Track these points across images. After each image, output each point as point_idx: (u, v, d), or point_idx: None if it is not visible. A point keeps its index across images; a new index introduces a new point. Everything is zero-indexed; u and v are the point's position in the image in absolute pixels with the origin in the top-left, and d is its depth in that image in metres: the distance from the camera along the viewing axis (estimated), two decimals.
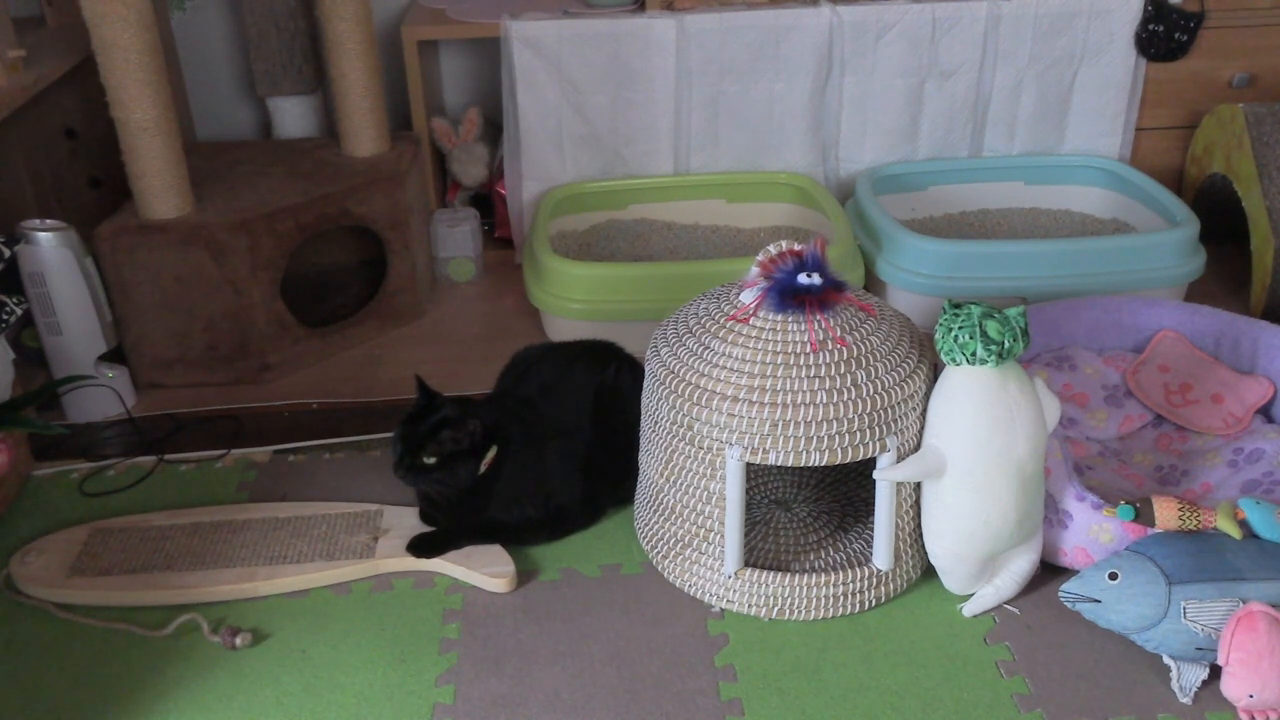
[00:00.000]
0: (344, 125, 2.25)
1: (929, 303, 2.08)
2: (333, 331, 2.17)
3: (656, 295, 2.04)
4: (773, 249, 1.46)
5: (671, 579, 1.55)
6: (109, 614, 1.51)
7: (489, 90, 2.63)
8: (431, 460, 1.51)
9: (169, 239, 1.94)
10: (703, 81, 2.36)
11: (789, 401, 1.39)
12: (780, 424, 1.39)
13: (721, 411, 1.41)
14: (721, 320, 1.47)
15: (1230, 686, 1.31)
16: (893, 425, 1.42)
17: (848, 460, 1.41)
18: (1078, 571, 1.43)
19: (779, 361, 1.41)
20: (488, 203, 2.57)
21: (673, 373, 1.46)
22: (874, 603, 1.50)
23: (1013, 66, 2.38)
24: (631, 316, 2.06)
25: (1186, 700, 1.34)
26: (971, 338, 1.35)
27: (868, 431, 1.41)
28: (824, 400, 1.39)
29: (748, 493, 1.51)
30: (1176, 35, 2.33)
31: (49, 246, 1.83)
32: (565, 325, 2.12)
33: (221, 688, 1.39)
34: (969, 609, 1.48)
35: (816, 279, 1.43)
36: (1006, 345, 1.35)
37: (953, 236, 2.38)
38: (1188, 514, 1.39)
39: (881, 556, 1.49)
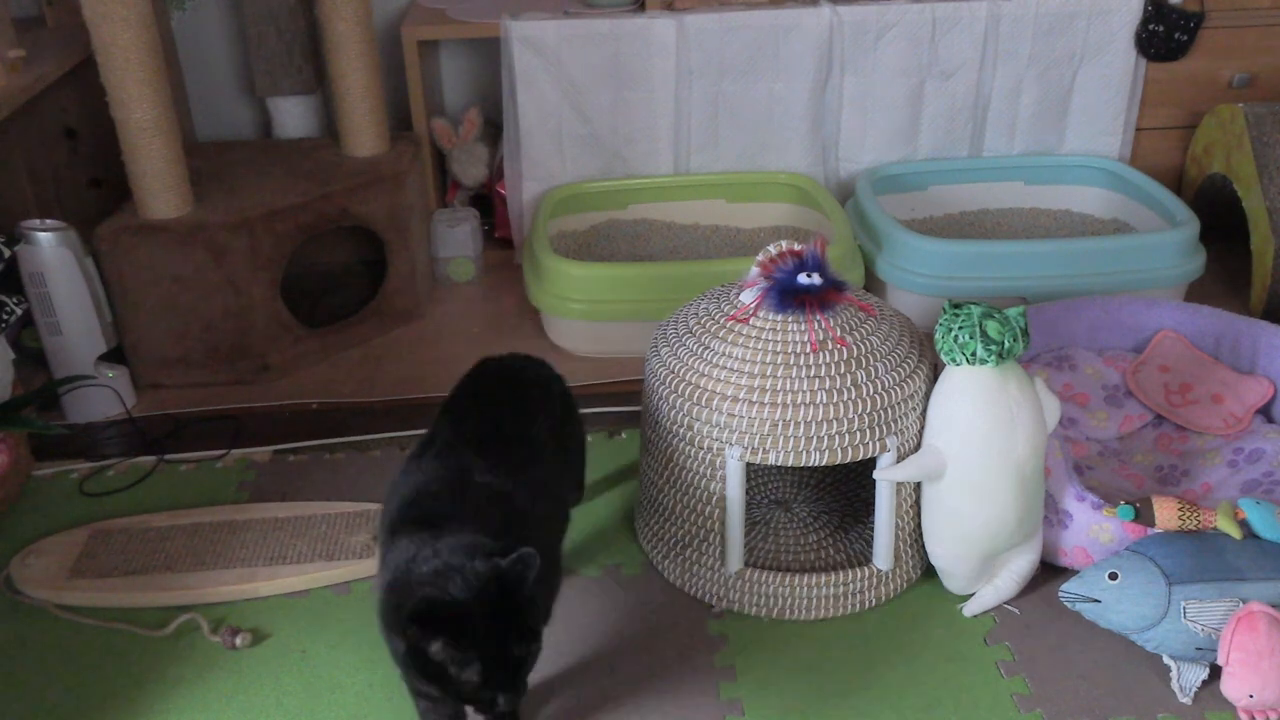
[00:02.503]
0: (344, 125, 2.25)
1: (929, 303, 2.08)
2: (333, 331, 2.17)
3: (656, 295, 2.04)
4: (773, 249, 1.46)
5: (671, 579, 1.55)
6: (109, 614, 1.51)
7: (489, 90, 2.63)
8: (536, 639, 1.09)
9: (169, 239, 1.94)
10: (703, 81, 2.36)
11: (789, 401, 1.39)
12: (780, 424, 1.39)
13: (721, 411, 1.41)
14: (721, 320, 1.47)
15: (1230, 686, 1.31)
16: (893, 425, 1.42)
17: (848, 460, 1.41)
18: (1078, 571, 1.43)
19: (779, 361, 1.41)
20: (488, 203, 2.57)
21: (673, 373, 1.46)
22: (874, 603, 1.50)
23: (1013, 66, 2.38)
24: (631, 316, 2.06)
25: (1186, 700, 1.34)
26: (971, 338, 1.35)
27: (868, 431, 1.41)
28: (824, 400, 1.39)
29: (748, 493, 1.51)
30: (1176, 35, 2.33)
31: (49, 246, 1.83)
32: (565, 325, 2.12)
33: (221, 688, 1.39)
34: (969, 609, 1.48)
35: (816, 279, 1.43)
36: (1006, 345, 1.36)
37: (953, 236, 2.38)
38: (1188, 514, 1.39)
39: (882, 556, 1.49)
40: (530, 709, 1.34)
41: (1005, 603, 1.49)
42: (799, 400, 1.39)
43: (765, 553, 1.58)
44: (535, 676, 1.38)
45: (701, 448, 1.45)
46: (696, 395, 1.43)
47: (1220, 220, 2.29)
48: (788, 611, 1.49)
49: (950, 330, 1.37)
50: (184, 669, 1.42)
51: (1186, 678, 1.35)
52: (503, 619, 1.03)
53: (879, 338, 1.45)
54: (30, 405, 1.73)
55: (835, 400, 1.39)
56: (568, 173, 2.44)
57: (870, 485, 1.46)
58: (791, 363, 1.40)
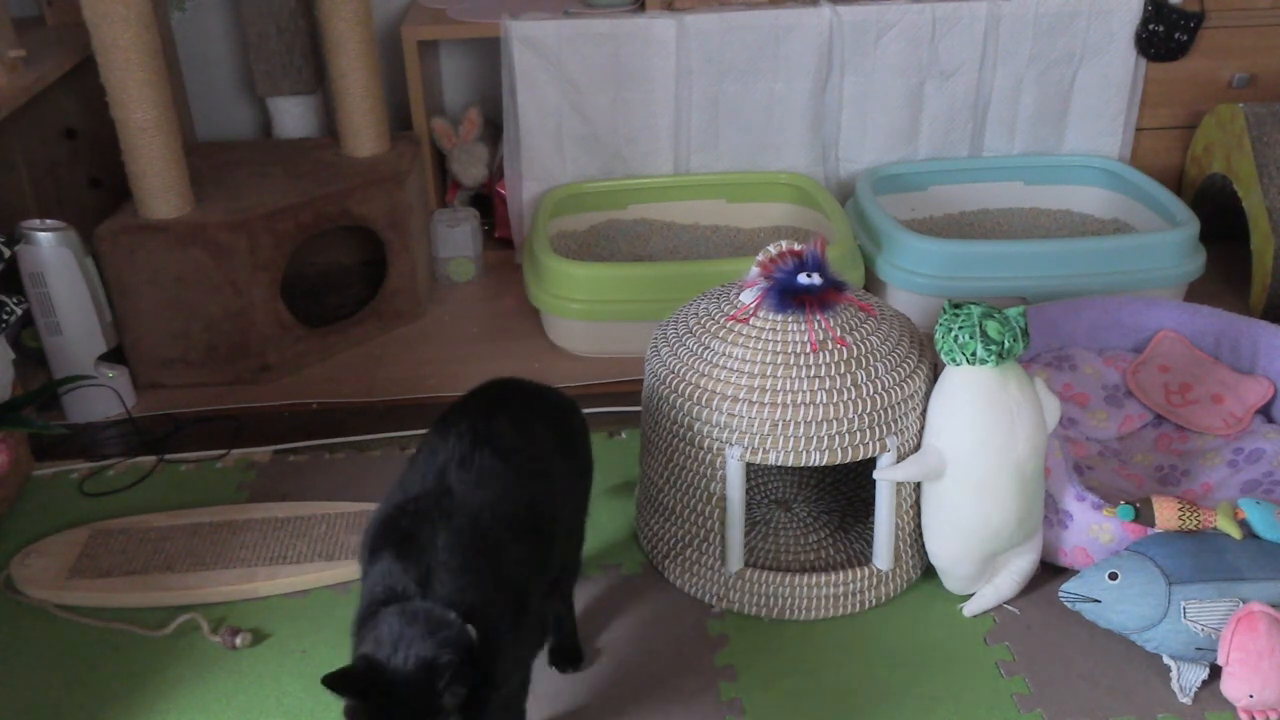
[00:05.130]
0: (344, 125, 2.25)
1: (929, 303, 2.08)
2: (333, 331, 2.17)
3: (656, 295, 2.04)
4: (773, 249, 1.46)
5: (671, 579, 1.55)
6: (109, 614, 1.51)
7: (489, 90, 2.63)
8: None
9: (169, 239, 1.94)
10: (703, 81, 2.36)
11: (789, 401, 1.39)
12: (780, 424, 1.39)
13: (721, 411, 1.41)
14: (721, 320, 1.47)
15: (1230, 686, 1.31)
16: (893, 425, 1.42)
17: (848, 460, 1.41)
18: (1078, 571, 1.43)
19: (779, 361, 1.41)
20: (488, 203, 2.58)
21: (673, 372, 1.46)
22: (874, 603, 1.50)
23: (1013, 66, 2.38)
24: (631, 316, 2.06)
25: (1186, 700, 1.34)
26: (971, 338, 1.35)
27: (868, 431, 1.41)
28: (824, 400, 1.39)
29: (748, 493, 1.51)
30: (1176, 35, 2.33)
31: (49, 246, 1.83)
32: (565, 325, 2.12)
33: (221, 688, 1.39)
34: (969, 609, 1.48)
35: (816, 279, 1.43)
36: (1006, 345, 1.36)
37: (953, 236, 2.38)
38: (1188, 514, 1.39)
39: (882, 556, 1.49)
40: (531, 710, 1.34)
41: (1005, 603, 1.49)
42: (799, 400, 1.39)
43: (765, 553, 1.58)
44: (537, 678, 1.38)
45: (701, 448, 1.45)
46: (696, 395, 1.43)
47: (1220, 220, 2.29)
48: (788, 611, 1.48)
49: (950, 330, 1.37)
50: (184, 669, 1.42)
51: (1186, 678, 1.35)
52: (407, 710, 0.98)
53: (879, 338, 1.45)
54: (30, 405, 1.73)
55: (835, 400, 1.39)
56: (568, 173, 2.44)
57: (870, 485, 1.46)
58: (791, 363, 1.40)
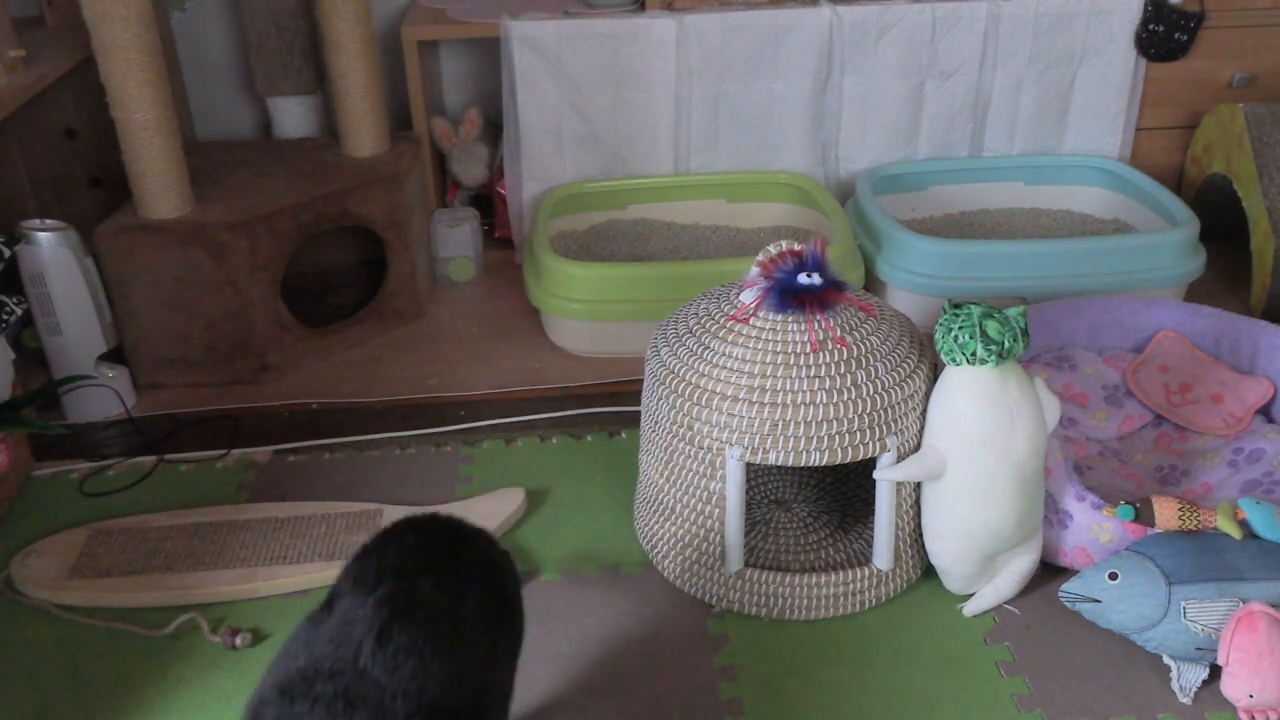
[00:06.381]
0: (344, 125, 2.25)
1: (929, 303, 2.08)
2: (333, 331, 2.17)
3: (656, 295, 2.04)
4: (773, 249, 1.46)
5: (671, 579, 1.55)
6: (109, 614, 1.51)
7: (489, 90, 2.63)
8: None
9: (169, 239, 1.94)
10: (703, 81, 2.36)
11: (789, 401, 1.39)
12: (780, 424, 1.39)
13: (721, 411, 1.41)
14: (721, 320, 1.47)
15: (1230, 686, 1.32)
16: (893, 425, 1.42)
17: (848, 460, 1.41)
18: (1078, 571, 1.43)
19: (779, 361, 1.41)
20: (488, 203, 2.58)
21: (673, 373, 1.46)
22: (874, 603, 1.50)
23: (1013, 66, 2.38)
24: (631, 316, 2.06)
25: (1186, 700, 1.34)
26: (971, 338, 1.35)
27: (868, 431, 1.41)
28: (824, 400, 1.39)
29: (748, 493, 1.51)
30: (1176, 35, 2.33)
31: (49, 246, 1.83)
32: (565, 325, 2.12)
33: (221, 688, 1.39)
34: (969, 609, 1.48)
35: (816, 279, 1.43)
36: (1006, 345, 1.36)
37: (953, 236, 2.38)
38: (1188, 514, 1.39)
39: (882, 556, 1.49)
40: (529, 710, 1.34)
41: (1005, 603, 1.49)
42: (799, 400, 1.39)
43: (765, 553, 1.58)
44: (537, 679, 1.38)
45: (701, 448, 1.45)
46: (696, 395, 1.43)
47: (1220, 220, 2.29)
48: (788, 611, 1.49)
49: (950, 330, 1.37)
50: (184, 669, 1.42)
51: (1186, 678, 1.35)
52: None
53: (879, 338, 1.45)
54: (30, 405, 1.73)
55: (835, 400, 1.39)
56: (568, 173, 2.44)
57: (870, 485, 1.46)
58: (791, 363, 1.40)
